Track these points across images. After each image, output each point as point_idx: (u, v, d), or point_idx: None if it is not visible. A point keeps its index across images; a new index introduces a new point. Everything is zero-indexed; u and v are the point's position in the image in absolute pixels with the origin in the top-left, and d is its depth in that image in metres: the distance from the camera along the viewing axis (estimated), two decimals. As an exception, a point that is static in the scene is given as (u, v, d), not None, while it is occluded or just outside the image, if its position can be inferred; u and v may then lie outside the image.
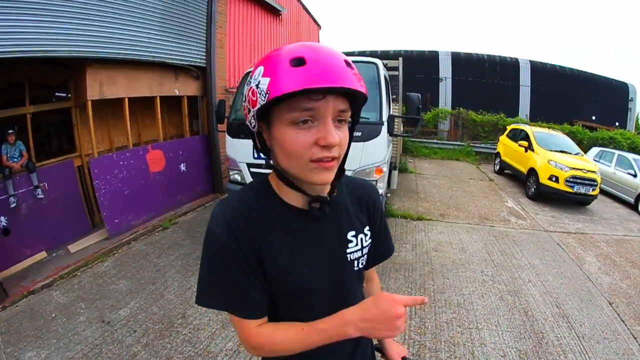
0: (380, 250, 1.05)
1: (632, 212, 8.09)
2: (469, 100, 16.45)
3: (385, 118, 4.11)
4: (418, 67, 16.95)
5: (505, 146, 10.62)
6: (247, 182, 4.25)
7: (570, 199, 7.67)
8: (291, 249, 0.82)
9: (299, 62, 0.66)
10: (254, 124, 0.76)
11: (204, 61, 6.67)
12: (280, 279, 0.81)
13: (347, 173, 0.92)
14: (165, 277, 3.94)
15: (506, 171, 10.66)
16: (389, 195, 6.38)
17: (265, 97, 0.68)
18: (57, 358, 2.70)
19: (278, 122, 0.72)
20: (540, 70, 18.18)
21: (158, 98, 5.90)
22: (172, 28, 5.75)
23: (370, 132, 3.88)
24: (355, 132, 0.86)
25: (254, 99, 0.71)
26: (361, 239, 0.93)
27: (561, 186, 7.49)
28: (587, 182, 7.43)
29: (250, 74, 0.75)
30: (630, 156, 9.36)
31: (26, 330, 3.01)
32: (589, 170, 7.55)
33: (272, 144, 0.78)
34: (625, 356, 3.02)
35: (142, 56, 5.25)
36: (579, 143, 11.35)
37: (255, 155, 4.17)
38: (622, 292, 4.13)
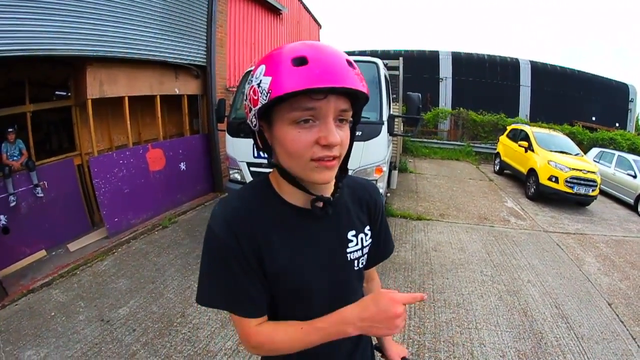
0: (381, 249, 1.05)
1: (631, 213, 8.09)
2: (469, 100, 16.45)
3: (385, 118, 4.11)
4: (418, 67, 16.94)
5: (505, 146, 10.62)
6: (247, 181, 4.25)
7: (570, 199, 7.67)
8: (291, 249, 0.82)
9: (301, 61, 0.66)
10: (255, 122, 0.76)
11: (204, 60, 6.67)
12: (280, 278, 0.81)
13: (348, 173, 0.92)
14: (164, 276, 3.94)
15: (506, 171, 10.66)
16: (388, 195, 6.38)
17: (266, 97, 0.68)
18: (57, 357, 2.70)
19: (279, 121, 0.72)
20: (540, 71, 18.17)
21: (158, 97, 5.89)
22: (173, 27, 5.75)
23: (371, 132, 3.88)
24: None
25: (255, 98, 0.71)
26: (361, 239, 0.93)
27: (561, 187, 7.49)
28: (586, 182, 7.43)
29: (252, 72, 0.75)
30: (630, 157, 9.36)
31: (25, 329, 3.01)
32: (588, 171, 7.55)
33: (273, 143, 0.78)
34: (624, 357, 3.02)
35: (143, 55, 5.25)
36: (579, 144, 11.36)
37: (255, 154, 4.17)
38: (622, 293, 4.14)
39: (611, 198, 9.27)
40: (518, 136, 9.86)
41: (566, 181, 7.43)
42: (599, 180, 7.59)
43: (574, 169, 7.49)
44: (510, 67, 18.29)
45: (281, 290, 0.83)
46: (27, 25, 3.68)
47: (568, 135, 10.99)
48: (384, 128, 4.05)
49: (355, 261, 0.92)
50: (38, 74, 4.72)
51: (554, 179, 7.59)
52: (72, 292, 3.62)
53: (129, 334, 2.97)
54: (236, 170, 4.48)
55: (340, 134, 0.72)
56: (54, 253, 4.42)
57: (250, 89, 0.73)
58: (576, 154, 8.65)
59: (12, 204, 4.03)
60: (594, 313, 3.66)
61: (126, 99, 5.25)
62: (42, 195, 4.35)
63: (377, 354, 1.16)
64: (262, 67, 0.71)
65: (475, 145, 14.43)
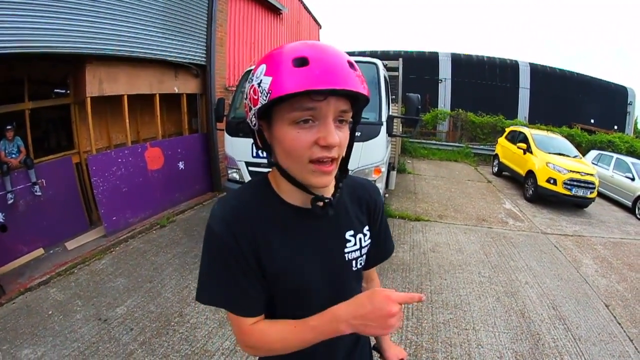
0: (381, 250, 1.05)
1: (629, 216, 8.12)
2: (468, 102, 16.47)
3: (384, 118, 4.11)
4: (418, 68, 16.95)
5: (503, 148, 10.64)
6: (246, 180, 4.25)
7: (568, 201, 7.68)
8: (290, 249, 0.82)
9: (301, 62, 0.66)
10: (254, 122, 0.76)
11: (204, 59, 6.66)
12: (279, 278, 0.81)
13: None
14: (162, 275, 3.93)
15: (504, 173, 10.69)
16: (387, 195, 6.39)
17: (266, 97, 0.68)
18: (54, 355, 2.69)
19: (279, 120, 0.72)
20: (539, 73, 18.23)
21: (157, 95, 5.89)
22: (173, 26, 5.74)
23: (370, 132, 3.89)
24: None
25: (255, 97, 0.71)
26: (360, 239, 0.92)
27: (559, 188, 7.51)
28: (585, 184, 7.46)
29: (252, 71, 0.75)
30: (629, 160, 9.39)
31: (23, 328, 3.00)
32: (587, 173, 7.57)
33: (272, 142, 0.78)
34: (622, 358, 3.03)
35: (142, 53, 5.24)
36: (578, 146, 11.39)
37: (254, 154, 4.17)
38: (619, 295, 4.15)
39: (609, 200, 9.30)
40: (517, 138, 9.88)
41: (564, 183, 7.45)
42: (597, 183, 7.62)
43: (572, 171, 7.52)
44: (509, 69, 18.34)
45: (279, 290, 0.83)
46: (26, 22, 3.67)
47: (566, 137, 11.01)
48: (383, 129, 4.05)
49: (354, 261, 0.91)
50: (37, 72, 4.70)
51: (552, 181, 7.61)
52: (69, 290, 3.61)
53: (127, 333, 2.97)
54: (235, 170, 4.48)
55: (339, 135, 0.72)
56: (51, 251, 4.41)
57: (251, 88, 0.73)
58: (574, 156, 8.68)
59: (10, 202, 4.02)
60: (592, 315, 3.67)
61: (125, 97, 5.24)
62: (40, 193, 4.33)
63: (376, 355, 1.16)
64: (263, 67, 0.71)
65: (474, 146, 14.45)
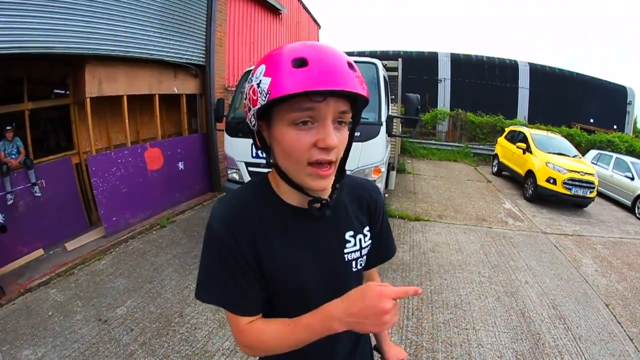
0: (382, 250, 1.05)
1: (629, 215, 8.13)
2: (467, 102, 16.48)
3: (384, 118, 4.11)
4: (417, 68, 16.96)
5: (503, 148, 10.65)
6: (245, 181, 4.25)
7: (567, 201, 7.69)
8: (289, 249, 0.82)
9: (300, 62, 0.66)
10: (253, 122, 0.76)
11: (203, 59, 6.66)
12: (278, 278, 0.82)
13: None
14: (162, 275, 3.93)
15: (504, 173, 10.70)
16: (386, 195, 6.39)
17: (266, 97, 0.68)
18: (54, 356, 2.69)
19: (278, 121, 0.72)
20: (539, 73, 18.24)
21: (157, 96, 5.88)
22: (172, 26, 5.74)
23: (369, 133, 3.89)
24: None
25: (255, 98, 0.71)
26: (360, 240, 0.92)
27: (559, 188, 7.52)
28: (584, 184, 7.46)
29: (252, 72, 0.75)
30: (628, 159, 9.41)
31: (23, 328, 3.00)
32: (586, 173, 7.58)
33: (271, 143, 0.78)
34: (622, 358, 3.04)
35: (142, 54, 5.23)
36: (577, 146, 11.41)
37: (254, 154, 4.17)
38: (619, 294, 4.15)
39: (609, 200, 9.31)
40: (516, 138, 9.89)
41: (564, 183, 7.45)
42: (596, 182, 7.63)
43: (571, 171, 7.52)
44: (508, 69, 18.35)
45: (278, 290, 0.84)
46: (25, 23, 3.66)
47: (566, 137, 11.02)
48: (383, 129, 4.05)
49: (354, 262, 0.91)
50: (37, 72, 4.70)
51: (551, 181, 7.61)
52: (69, 291, 3.60)
53: (127, 334, 2.97)
54: (234, 170, 4.48)
55: (337, 137, 0.72)
56: (51, 252, 4.40)
57: (250, 89, 0.73)
58: (574, 156, 8.69)
59: (10, 202, 4.02)
60: (592, 314, 3.68)
61: (125, 97, 5.24)
62: (39, 194, 4.33)
63: (376, 355, 1.16)
64: (262, 67, 0.71)
65: (474, 146, 14.46)
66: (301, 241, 0.84)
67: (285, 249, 0.81)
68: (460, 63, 18.52)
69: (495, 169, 11.18)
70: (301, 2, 12.89)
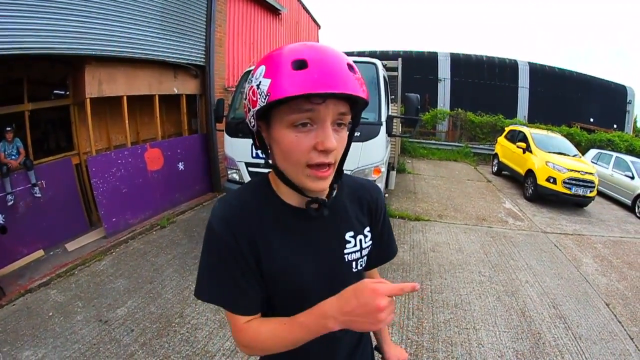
0: (383, 251, 1.05)
1: (629, 214, 8.13)
2: (467, 101, 16.49)
3: (384, 118, 4.11)
4: (417, 68, 16.97)
5: (503, 147, 10.65)
6: (245, 181, 4.25)
7: (567, 200, 7.69)
8: (288, 249, 0.82)
9: (300, 64, 0.66)
10: (253, 123, 0.76)
11: (203, 60, 6.66)
12: (277, 278, 0.82)
13: (345, 173, 0.92)
14: (162, 276, 3.93)
15: (504, 172, 10.70)
16: (387, 195, 6.39)
17: (265, 99, 0.68)
18: (54, 357, 2.69)
19: (278, 122, 0.72)
20: (538, 72, 18.25)
21: (157, 96, 5.88)
22: (172, 26, 5.74)
23: (369, 133, 3.89)
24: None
25: (255, 99, 0.71)
26: (360, 240, 0.92)
27: (559, 188, 7.51)
28: (584, 183, 7.46)
29: (252, 72, 0.75)
30: (628, 158, 9.41)
31: (23, 329, 3.00)
32: (586, 172, 7.57)
33: (270, 144, 0.78)
34: (622, 357, 3.03)
35: (142, 54, 5.24)
36: (577, 145, 11.40)
37: (254, 155, 4.17)
38: (619, 294, 4.15)
39: (609, 199, 9.31)
40: (516, 137, 9.89)
41: (564, 182, 7.45)
42: (596, 182, 7.63)
43: (571, 170, 7.52)
44: (508, 68, 18.36)
45: (278, 290, 0.84)
46: (25, 24, 3.66)
47: (566, 136, 11.04)
48: (383, 129, 4.05)
49: (354, 262, 0.91)
50: (36, 73, 4.70)
51: (551, 180, 7.61)
52: (70, 292, 3.60)
53: (127, 335, 2.97)
54: (234, 170, 4.48)
55: (336, 139, 0.72)
56: (51, 253, 4.40)
57: (250, 90, 0.73)
58: (574, 155, 8.68)
59: (10, 203, 4.02)
60: (592, 313, 3.68)
61: (125, 98, 5.24)
62: (40, 194, 4.33)
63: (377, 355, 1.16)
64: (262, 68, 0.71)
65: (474, 146, 14.46)
66: (301, 241, 0.84)
67: (285, 249, 0.81)
68: (460, 63, 18.53)
69: (495, 169, 11.18)
70: (301, 2, 12.89)
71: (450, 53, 18.75)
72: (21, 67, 4.39)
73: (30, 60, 4.28)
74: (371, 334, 1.13)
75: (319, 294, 0.83)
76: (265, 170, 0.89)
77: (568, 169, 7.53)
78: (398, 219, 6.10)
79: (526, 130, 9.83)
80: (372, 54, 16.34)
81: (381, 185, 4.34)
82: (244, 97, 0.77)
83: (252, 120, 0.76)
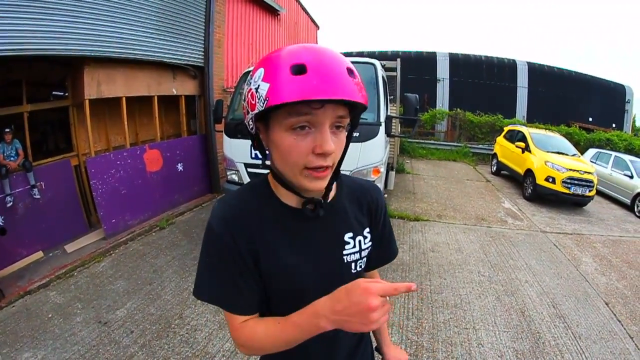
0: (384, 252, 1.04)
1: (628, 213, 8.14)
2: (466, 101, 16.51)
3: (383, 119, 4.11)
4: (416, 68, 17.00)
5: (502, 147, 10.66)
6: (245, 182, 4.25)
7: (567, 200, 7.69)
8: (287, 249, 0.82)
9: (299, 69, 0.65)
10: (251, 126, 0.77)
11: (202, 61, 6.66)
12: (275, 278, 0.82)
13: (345, 173, 0.92)
14: (162, 277, 3.93)
15: (503, 172, 10.70)
16: (386, 195, 6.39)
17: (263, 104, 0.68)
18: (54, 359, 2.68)
19: (276, 125, 0.72)
20: (537, 72, 18.27)
21: (156, 97, 5.88)
22: (171, 27, 5.74)
23: (368, 133, 3.89)
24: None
25: (253, 102, 0.71)
26: (359, 241, 0.91)
27: (558, 187, 7.52)
28: (583, 183, 7.47)
29: (251, 74, 0.74)
30: (627, 157, 9.42)
31: (22, 331, 3.00)
32: (585, 172, 7.58)
33: (269, 146, 0.78)
34: (622, 356, 3.03)
35: (140, 55, 5.24)
36: (576, 144, 11.42)
37: (253, 155, 4.17)
38: (619, 293, 4.16)
39: (608, 198, 9.32)
40: (515, 137, 9.90)
41: (563, 182, 7.46)
42: (595, 181, 7.63)
43: (570, 170, 7.52)
44: (507, 68, 18.39)
45: (276, 290, 0.84)
46: (24, 25, 3.66)
47: (565, 136, 11.04)
48: (382, 129, 4.05)
49: (353, 264, 0.91)
50: (35, 74, 4.70)
51: (550, 180, 7.61)
52: (69, 293, 3.60)
53: (127, 336, 2.96)
54: (234, 171, 4.48)
55: (334, 141, 0.72)
56: (51, 254, 4.40)
57: (249, 92, 0.73)
58: (573, 155, 8.69)
59: (9, 205, 4.02)
60: (592, 313, 3.68)
61: (124, 99, 5.24)
62: (39, 196, 4.33)
63: (378, 356, 1.16)
64: (261, 71, 0.70)
65: (473, 146, 14.46)
66: (299, 242, 0.84)
67: (284, 250, 0.81)
68: (458, 63, 18.56)
69: (495, 169, 11.19)
70: (300, 3, 12.89)
71: (449, 53, 18.78)
72: (20, 68, 4.39)
73: (29, 62, 4.28)
74: (371, 335, 1.13)
75: (317, 294, 0.83)
76: (264, 171, 0.89)
77: (567, 169, 7.54)
78: (397, 219, 6.09)
79: (525, 129, 9.83)
80: (371, 55, 16.35)
81: (380, 185, 4.34)
82: (243, 99, 0.77)
83: (250, 122, 0.76)
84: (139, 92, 5.55)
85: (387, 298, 0.65)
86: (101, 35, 4.54)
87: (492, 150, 11.87)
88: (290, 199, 0.84)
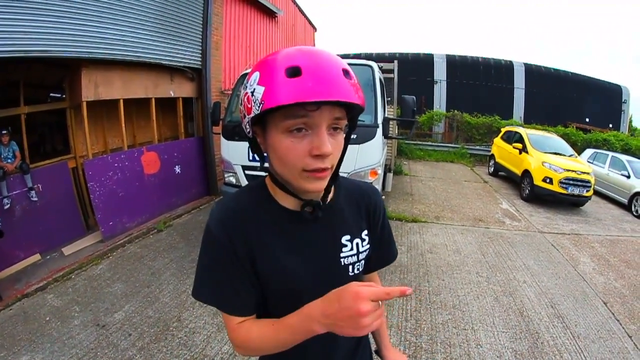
0: (383, 254, 1.04)
1: (625, 213, 8.17)
2: (463, 103, 16.56)
3: (380, 120, 4.12)
4: (413, 70, 17.05)
5: (499, 148, 10.69)
6: (242, 184, 4.25)
7: (564, 200, 7.72)
8: (284, 251, 0.82)
9: (294, 72, 0.65)
10: (248, 129, 0.77)
11: (200, 63, 6.66)
12: (272, 280, 0.82)
13: (343, 175, 0.92)
14: (160, 280, 3.92)
15: (500, 173, 10.73)
16: (383, 197, 6.40)
17: (259, 107, 0.68)
18: (51, 362, 2.67)
19: (273, 128, 0.72)
20: (534, 73, 18.35)
21: (153, 99, 5.88)
22: (168, 29, 5.74)
23: (365, 135, 3.89)
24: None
25: (249, 106, 0.71)
26: (357, 244, 0.91)
27: (555, 188, 7.54)
28: (580, 183, 7.50)
29: (247, 77, 0.75)
30: (624, 157, 9.46)
31: (20, 334, 2.98)
32: (582, 172, 7.61)
33: (266, 149, 0.78)
34: (621, 355, 3.04)
35: (138, 57, 5.23)
36: (573, 145, 11.45)
37: (251, 158, 4.17)
38: (617, 292, 4.17)
39: (605, 198, 9.36)
40: (512, 138, 9.93)
41: (560, 182, 7.48)
42: (593, 181, 7.66)
43: (568, 170, 7.55)
44: (504, 69, 18.46)
45: (273, 292, 0.84)
46: (21, 26, 3.66)
47: (562, 136, 11.08)
48: (379, 131, 4.05)
49: (350, 266, 0.90)
50: (33, 76, 4.69)
51: (548, 180, 7.64)
52: (67, 296, 3.58)
53: (125, 339, 2.95)
54: (231, 174, 4.47)
55: (332, 143, 0.72)
56: (48, 257, 4.38)
57: (245, 96, 0.73)
58: (570, 155, 8.72)
59: (6, 207, 4.00)
60: (590, 312, 3.69)
61: (121, 101, 5.23)
62: (36, 198, 4.31)
63: (377, 358, 1.15)
64: (257, 75, 0.71)
65: (470, 147, 14.50)
66: (296, 244, 0.84)
67: (281, 252, 0.82)
68: (455, 64, 18.62)
69: (492, 170, 11.21)
70: (297, 5, 12.92)
71: (446, 55, 18.85)
72: (17, 70, 4.38)
73: (26, 63, 4.27)
74: (370, 337, 1.12)
75: (314, 297, 0.83)
76: (262, 174, 0.89)
77: (564, 169, 7.57)
78: (395, 221, 6.10)
79: (522, 130, 9.87)
80: (368, 56, 16.37)
81: (378, 187, 4.35)
82: (240, 102, 0.77)
83: (247, 126, 0.76)
84: (137, 94, 5.55)
85: (380, 302, 0.63)
86: (99, 38, 4.53)
87: (490, 151, 11.90)
88: (288, 202, 0.84)
